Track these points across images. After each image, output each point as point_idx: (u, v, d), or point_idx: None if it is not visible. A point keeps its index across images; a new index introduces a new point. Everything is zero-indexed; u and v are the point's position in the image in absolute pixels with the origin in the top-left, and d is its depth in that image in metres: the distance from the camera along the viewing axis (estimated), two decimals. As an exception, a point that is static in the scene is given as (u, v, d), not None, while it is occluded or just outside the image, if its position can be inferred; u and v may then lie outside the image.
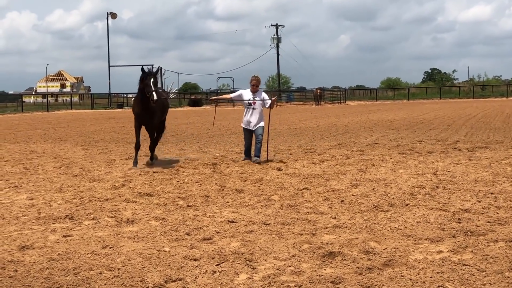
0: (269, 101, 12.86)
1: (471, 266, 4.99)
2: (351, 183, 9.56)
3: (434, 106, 50.17)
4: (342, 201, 8.11)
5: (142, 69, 12.04)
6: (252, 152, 12.75)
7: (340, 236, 6.20)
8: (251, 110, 12.89)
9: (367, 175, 10.39)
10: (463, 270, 4.91)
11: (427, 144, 15.98)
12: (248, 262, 5.29)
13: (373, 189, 8.96)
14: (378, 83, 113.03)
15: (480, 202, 7.79)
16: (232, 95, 13.82)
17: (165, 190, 9.18)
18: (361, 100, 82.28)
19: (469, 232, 6.16)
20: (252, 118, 12.88)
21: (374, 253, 5.45)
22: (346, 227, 6.62)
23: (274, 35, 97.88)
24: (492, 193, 8.35)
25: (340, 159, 12.95)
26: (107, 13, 78.70)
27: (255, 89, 12.95)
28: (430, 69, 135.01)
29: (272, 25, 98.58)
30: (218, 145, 16.97)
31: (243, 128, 13.13)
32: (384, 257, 5.31)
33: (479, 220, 6.73)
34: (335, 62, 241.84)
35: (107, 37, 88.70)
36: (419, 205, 7.70)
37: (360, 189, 8.94)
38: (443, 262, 5.15)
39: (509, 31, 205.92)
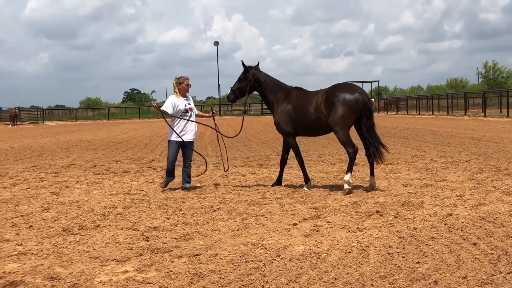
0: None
1: (154, 284, 5.13)
2: (42, 206, 9.23)
3: (134, 125, 50.99)
4: (30, 226, 7.77)
5: None
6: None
7: (24, 264, 5.91)
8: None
9: (60, 198, 10.13)
10: (146, 288, 5.03)
11: (123, 164, 16.14)
12: None
13: (65, 212, 8.76)
14: (78, 103, 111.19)
15: (169, 219, 8.08)
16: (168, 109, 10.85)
17: None
18: (60, 120, 79.93)
19: (155, 250, 6.33)
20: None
21: (59, 279, 5.30)
22: (32, 253, 6.34)
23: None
24: (180, 210, 8.73)
25: (33, 182, 12.45)
26: None
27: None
28: (130, 89, 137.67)
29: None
30: None
31: (175, 141, 10.88)
32: (69, 282, 5.20)
33: (166, 237, 6.96)
34: (34, 81, 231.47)
35: None
36: (109, 225, 7.72)
37: (51, 213, 8.67)
38: (127, 282, 5.21)
39: (204, 53, 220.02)
